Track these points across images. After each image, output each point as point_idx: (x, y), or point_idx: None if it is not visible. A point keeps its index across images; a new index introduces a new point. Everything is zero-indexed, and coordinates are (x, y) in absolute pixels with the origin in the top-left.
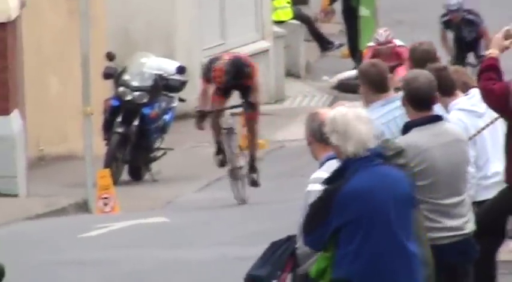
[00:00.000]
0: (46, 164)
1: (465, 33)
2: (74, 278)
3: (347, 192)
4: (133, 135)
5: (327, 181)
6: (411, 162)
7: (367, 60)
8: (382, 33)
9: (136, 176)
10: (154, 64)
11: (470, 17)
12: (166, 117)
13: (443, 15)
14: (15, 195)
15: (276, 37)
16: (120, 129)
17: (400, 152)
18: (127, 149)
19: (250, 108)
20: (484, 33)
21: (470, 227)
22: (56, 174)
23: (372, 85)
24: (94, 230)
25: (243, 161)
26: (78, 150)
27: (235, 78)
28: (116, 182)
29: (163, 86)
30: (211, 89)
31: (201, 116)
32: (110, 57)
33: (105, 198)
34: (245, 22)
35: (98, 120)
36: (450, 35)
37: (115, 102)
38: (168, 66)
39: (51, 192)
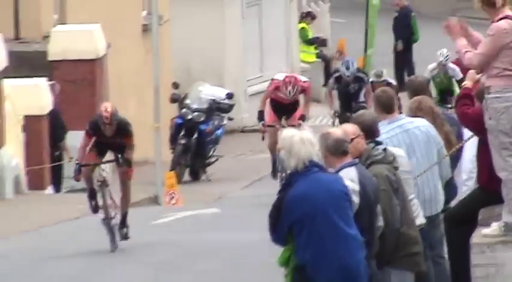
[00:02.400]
0: None
1: (351, 88)
2: (147, 256)
3: (291, 197)
4: (193, 146)
5: (279, 191)
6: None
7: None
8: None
9: (195, 177)
10: (209, 91)
11: (360, 74)
12: (218, 132)
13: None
14: None
15: (302, 71)
16: (183, 141)
17: (384, 157)
18: (188, 156)
19: (126, 164)
20: (367, 90)
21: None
22: (134, 175)
23: (381, 107)
24: (163, 218)
25: (114, 212)
26: (151, 157)
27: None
28: (179, 181)
29: (216, 108)
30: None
31: (79, 169)
32: (175, 86)
33: (171, 194)
34: (278, 60)
35: (166, 134)
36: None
37: (179, 121)
38: (219, 93)
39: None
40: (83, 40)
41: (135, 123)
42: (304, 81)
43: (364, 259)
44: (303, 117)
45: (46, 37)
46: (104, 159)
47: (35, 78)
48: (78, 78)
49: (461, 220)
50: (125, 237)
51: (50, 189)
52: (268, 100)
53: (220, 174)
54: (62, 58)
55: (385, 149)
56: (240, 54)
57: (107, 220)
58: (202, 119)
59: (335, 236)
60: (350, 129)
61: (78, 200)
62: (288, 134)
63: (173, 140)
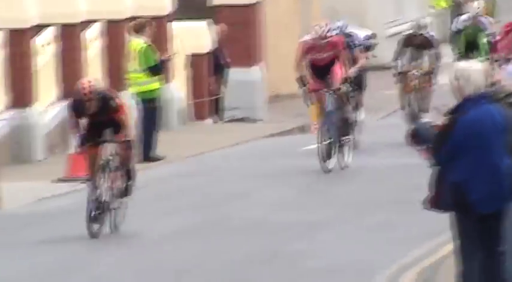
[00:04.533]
0: (279, 101)
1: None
2: (293, 178)
3: (463, 121)
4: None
5: (450, 112)
6: None
7: None
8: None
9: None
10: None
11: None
12: None
13: None
14: (257, 121)
15: (434, 16)
16: None
17: (509, 94)
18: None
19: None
20: (356, 56)
21: None
22: (285, 108)
23: None
24: (308, 145)
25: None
26: (299, 91)
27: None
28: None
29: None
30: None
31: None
32: None
33: (315, 124)
34: (412, 5)
35: None
36: None
37: None
38: (361, 33)
39: (282, 119)
40: None
41: (287, 63)
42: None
43: None
44: (346, 80)
45: None
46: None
47: (198, 21)
48: (238, 22)
49: None
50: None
51: (210, 120)
52: (306, 64)
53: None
54: (222, 3)
55: None
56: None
57: (103, 204)
58: None
59: (490, 163)
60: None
61: (235, 128)
62: (466, 64)
63: None
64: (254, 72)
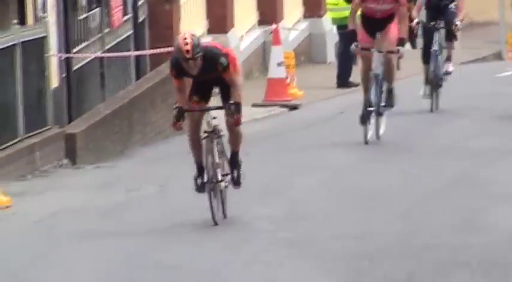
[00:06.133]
0: (474, 29)
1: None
2: (487, 107)
3: None
4: None
5: None
6: None
7: None
8: None
9: None
10: None
11: None
12: None
13: None
14: None
15: None
16: None
17: None
18: None
19: (233, 110)
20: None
21: None
22: (478, 35)
23: None
24: (504, 72)
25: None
26: (495, 18)
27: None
28: None
29: None
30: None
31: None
32: None
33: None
34: None
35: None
36: None
37: None
38: None
39: (477, 46)
40: None
41: None
42: None
43: None
44: (401, 41)
45: None
46: (209, 105)
47: None
48: None
49: None
50: (237, 182)
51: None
52: (358, 15)
53: None
54: None
55: None
56: None
57: (212, 184)
58: None
59: None
60: None
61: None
62: None
63: None
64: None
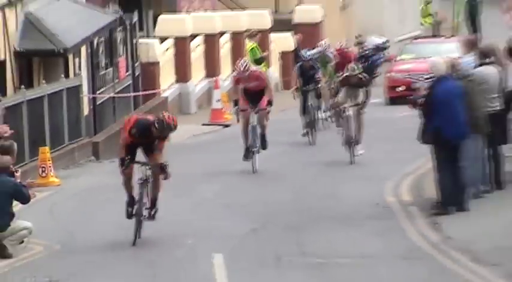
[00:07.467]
0: None
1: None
2: None
3: (437, 91)
4: None
5: (428, 87)
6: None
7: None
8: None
9: None
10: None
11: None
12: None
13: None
14: None
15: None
16: None
17: (467, 75)
18: None
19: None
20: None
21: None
22: None
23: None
24: None
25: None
26: None
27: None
28: None
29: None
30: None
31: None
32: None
33: None
34: (411, 21)
35: None
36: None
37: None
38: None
39: None
40: (310, 13)
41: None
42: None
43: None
44: (270, 102)
45: (291, 11)
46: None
47: (285, 33)
48: (308, 33)
49: None
50: (153, 217)
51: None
52: (240, 88)
53: None
54: (300, 22)
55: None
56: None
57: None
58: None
59: (456, 115)
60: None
61: None
62: (439, 59)
63: None
64: None
